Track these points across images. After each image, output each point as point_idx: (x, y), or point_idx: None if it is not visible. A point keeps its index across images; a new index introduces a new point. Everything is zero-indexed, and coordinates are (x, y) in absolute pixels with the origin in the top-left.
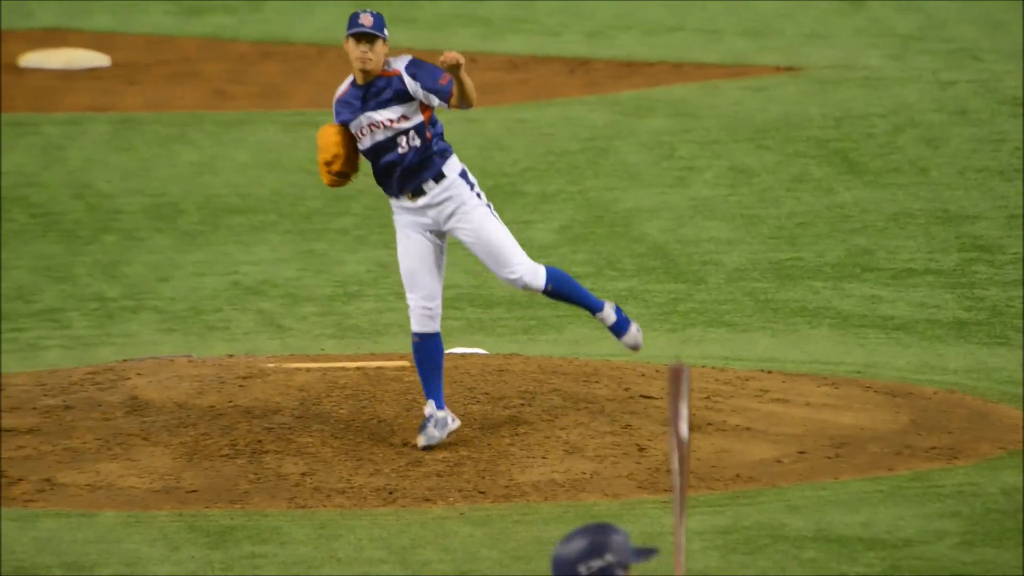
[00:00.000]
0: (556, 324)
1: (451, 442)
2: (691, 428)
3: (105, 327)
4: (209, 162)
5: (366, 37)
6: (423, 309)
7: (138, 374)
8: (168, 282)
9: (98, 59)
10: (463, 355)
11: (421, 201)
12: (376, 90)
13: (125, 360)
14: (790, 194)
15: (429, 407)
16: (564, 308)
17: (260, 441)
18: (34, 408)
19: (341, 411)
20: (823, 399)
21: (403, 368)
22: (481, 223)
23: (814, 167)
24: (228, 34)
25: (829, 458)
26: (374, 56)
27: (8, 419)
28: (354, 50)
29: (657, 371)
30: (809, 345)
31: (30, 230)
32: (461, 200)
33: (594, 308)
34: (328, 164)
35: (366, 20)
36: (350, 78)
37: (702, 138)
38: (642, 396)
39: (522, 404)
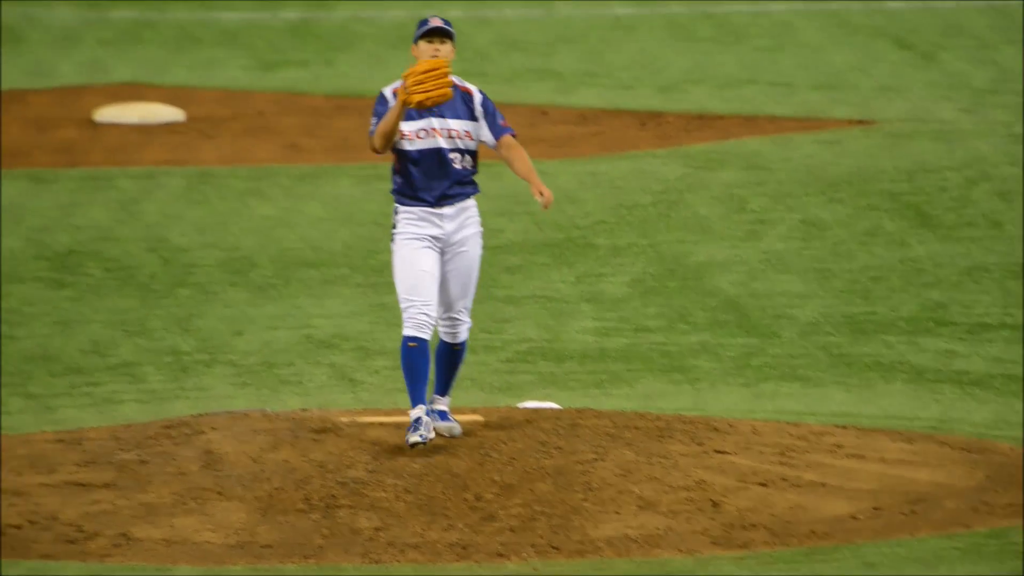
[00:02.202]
0: (628, 378)
1: (526, 499)
2: (767, 483)
3: (180, 381)
4: (283, 216)
5: (438, 35)
6: (423, 316)
7: (213, 428)
8: (242, 336)
9: (174, 114)
10: (535, 409)
11: (447, 210)
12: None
13: (200, 414)
14: (863, 248)
15: (419, 410)
16: (637, 362)
17: (334, 496)
18: (110, 462)
19: (414, 465)
20: (898, 455)
21: (475, 422)
22: (477, 258)
23: (887, 220)
24: (302, 88)
25: (905, 514)
26: (445, 53)
27: (84, 473)
28: (426, 50)
29: (731, 426)
30: (884, 400)
31: (106, 284)
32: (477, 229)
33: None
34: (425, 84)
35: (436, 20)
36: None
37: (774, 191)
38: (716, 451)
39: (595, 459)
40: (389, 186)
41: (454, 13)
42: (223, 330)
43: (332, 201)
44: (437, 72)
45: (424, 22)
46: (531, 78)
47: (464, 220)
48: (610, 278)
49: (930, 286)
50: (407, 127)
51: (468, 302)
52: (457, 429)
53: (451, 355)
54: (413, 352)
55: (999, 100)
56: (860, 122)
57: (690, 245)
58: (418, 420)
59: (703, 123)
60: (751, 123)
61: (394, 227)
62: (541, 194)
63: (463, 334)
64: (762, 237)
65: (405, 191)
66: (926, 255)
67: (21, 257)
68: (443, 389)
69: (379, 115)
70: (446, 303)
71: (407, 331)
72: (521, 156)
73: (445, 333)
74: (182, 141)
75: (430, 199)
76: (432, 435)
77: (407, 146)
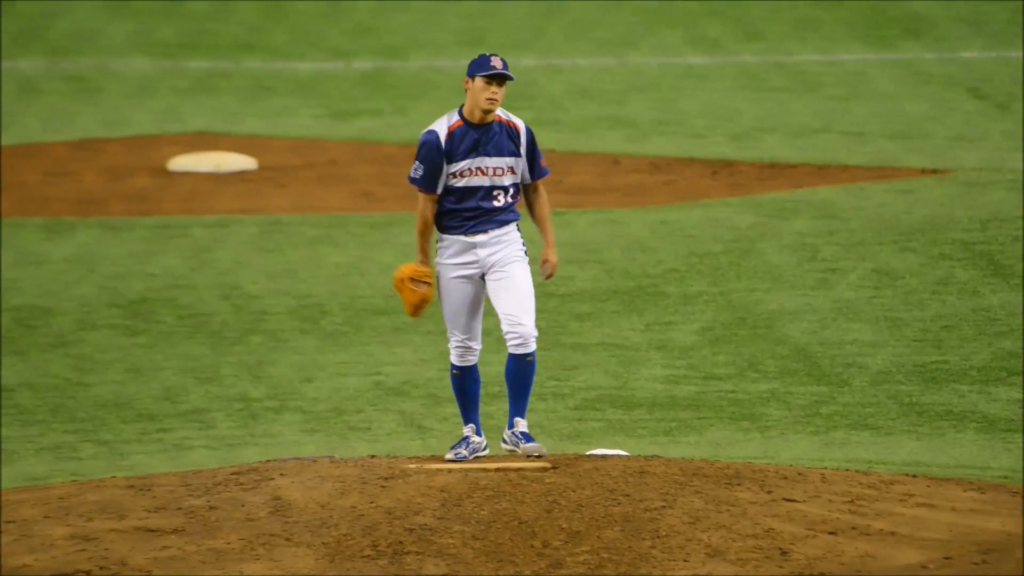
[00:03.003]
0: (697, 426)
1: (594, 547)
2: (836, 532)
3: (249, 427)
4: (354, 263)
5: (498, 78)
6: (464, 348)
7: (281, 474)
8: (312, 383)
9: (246, 162)
10: (604, 456)
11: (480, 237)
12: (492, 134)
13: (269, 460)
14: (935, 297)
15: (469, 429)
16: (706, 410)
17: (401, 542)
18: (179, 508)
19: (482, 512)
20: (969, 504)
21: (544, 469)
22: (522, 272)
23: (959, 270)
24: (374, 137)
25: (976, 564)
26: (500, 98)
27: (154, 519)
28: (484, 90)
29: (800, 474)
30: (955, 449)
31: (178, 332)
32: (519, 248)
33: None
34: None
35: (498, 63)
36: (455, 115)
37: (846, 240)
38: (784, 499)
39: (663, 506)
40: None
41: (527, 62)
42: (293, 377)
43: (403, 249)
44: (409, 283)
45: (485, 59)
46: (603, 126)
47: (502, 245)
48: (680, 326)
49: (1002, 335)
50: (453, 168)
51: (526, 314)
52: (542, 449)
53: (520, 369)
54: (458, 379)
55: None
56: (933, 171)
57: (761, 294)
58: (466, 438)
59: (775, 172)
60: (823, 172)
61: (439, 258)
62: (546, 261)
63: (530, 344)
64: (833, 286)
65: (445, 222)
66: (999, 304)
67: (95, 304)
68: (519, 409)
69: (425, 162)
70: (504, 316)
71: (452, 360)
72: (545, 202)
73: (513, 345)
74: (254, 189)
75: (469, 229)
76: (469, 455)
77: (451, 183)
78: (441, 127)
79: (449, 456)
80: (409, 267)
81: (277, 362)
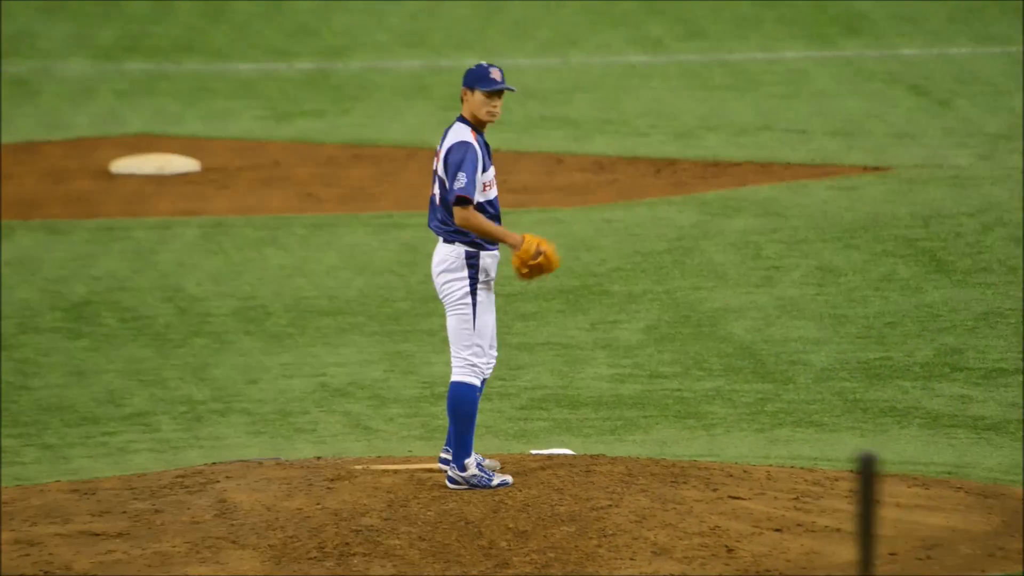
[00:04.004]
0: (643, 424)
1: (541, 546)
2: (782, 529)
3: (194, 430)
4: (298, 265)
5: (499, 92)
6: (488, 360)
7: (227, 477)
8: (256, 384)
9: (189, 164)
10: (550, 456)
11: (497, 251)
12: (487, 144)
13: (214, 463)
14: (878, 293)
15: (478, 460)
16: (651, 409)
17: (348, 543)
18: (124, 512)
19: (428, 513)
20: (913, 500)
21: (492, 469)
22: None
23: (902, 266)
24: (317, 137)
25: (920, 560)
26: (500, 110)
27: (98, 523)
28: (485, 104)
29: (745, 472)
30: (899, 445)
31: (121, 334)
32: None
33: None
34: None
35: (498, 75)
36: (466, 125)
37: (789, 237)
38: (730, 497)
39: (609, 505)
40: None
41: (469, 62)
42: (237, 379)
43: (347, 250)
44: (541, 268)
45: (485, 72)
46: (547, 126)
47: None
48: (625, 325)
49: (945, 331)
50: (486, 177)
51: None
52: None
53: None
54: (476, 397)
55: (1014, 146)
56: (875, 168)
57: (705, 292)
58: (480, 464)
59: (718, 170)
60: (766, 170)
61: (471, 274)
62: None
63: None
64: (777, 283)
65: (475, 237)
66: (941, 300)
67: (37, 307)
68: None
69: (473, 172)
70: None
71: (474, 379)
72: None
73: (491, 369)
74: (197, 191)
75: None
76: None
77: (487, 196)
78: (467, 136)
79: (497, 483)
80: (531, 246)
81: (221, 364)
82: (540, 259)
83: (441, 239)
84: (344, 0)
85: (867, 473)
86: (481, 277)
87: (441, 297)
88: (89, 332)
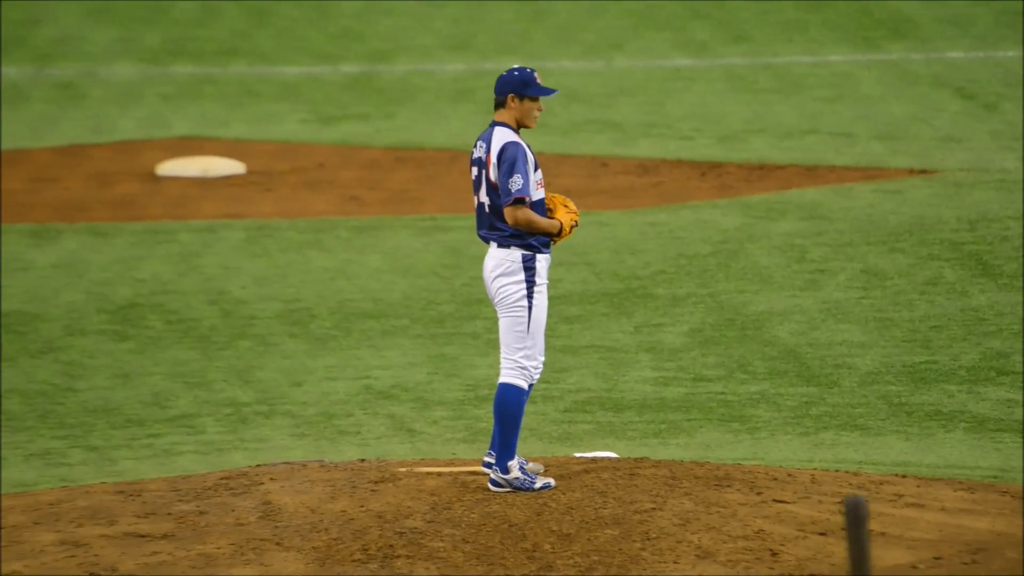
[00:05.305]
0: (686, 427)
1: (584, 549)
2: (826, 533)
3: (238, 432)
4: (342, 267)
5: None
6: (541, 367)
7: (271, 479)
8: (300, 387)
9: (233, 167)
10: (594, 459)
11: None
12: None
13: (258, 465)
14: (924, 297)
15: (521, 463)
16: (695, 412)
17: (391, 546)
18: (168, 513)
19: (472, 515)
20: (959, 504)
21: (535, 472)
22: None
23: (948, 270)
24: (361, 141)
25: (966, 564)
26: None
27: (144, 525)
28: (533, 108)
29: (789, 475)
30: (944, 449)
31: (166, 337)
32: None
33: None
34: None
35: (540, 79)
36: (510, 130)
37: (835, 241)
38: (774, 500)
39: (653, 508)
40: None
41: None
42: (282, 381)
43: (391, 252)
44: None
45: (532, 78)
46: (591, 129)
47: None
48: (669, 328)
49: (991, 335)
50: (537, 176)
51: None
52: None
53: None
54: (524, 401)
55: None
56: (921, 172)
57: (749, 295)
58: (523, 467)
59: (763, 173)
60: (811, 173)
61: (528, 277)
62: None
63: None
64: (822, 287)
65: (531, 240)
66: (987, 304)
67: (83, 310)
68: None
69: (526, 172)
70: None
71: (522, 382)
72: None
73: (540, 373)
74: (242, 194)
75: (548, 243)
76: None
77: (535, 196)
78: (516, 137)
79: (540, 485)
80: (567, 226)
81: (266, 366)
82: (575, 218)
83: (495, 244)
84: (389, 3)
85: (855, 517)
86: (538, 280)
87: (495, 300)
88: (135, 334)
